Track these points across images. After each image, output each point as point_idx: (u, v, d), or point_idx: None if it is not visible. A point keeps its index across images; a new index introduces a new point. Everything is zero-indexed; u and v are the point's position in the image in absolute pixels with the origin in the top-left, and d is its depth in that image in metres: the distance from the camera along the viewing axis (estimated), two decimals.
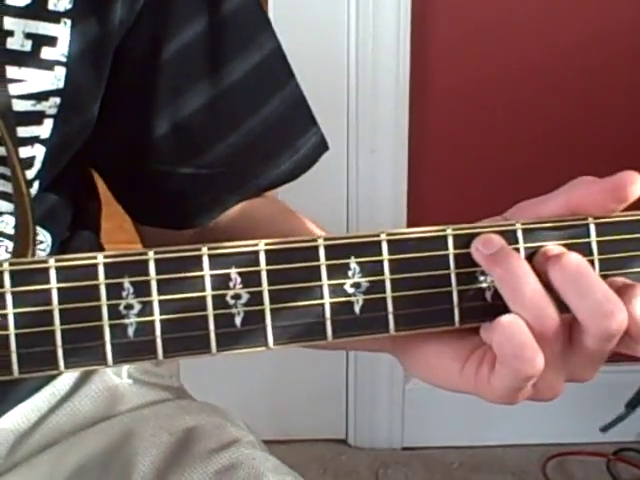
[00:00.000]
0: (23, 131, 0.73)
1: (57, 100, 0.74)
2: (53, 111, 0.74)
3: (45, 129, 0.75)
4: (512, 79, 1.90)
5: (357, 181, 1.90)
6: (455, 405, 2.04)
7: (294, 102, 0.85)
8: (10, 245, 0.77)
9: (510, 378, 0.59)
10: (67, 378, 0.89)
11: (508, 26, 1.87)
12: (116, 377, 0.89)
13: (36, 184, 0.77)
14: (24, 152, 0.74)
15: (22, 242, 0.70)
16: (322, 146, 0.87)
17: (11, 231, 0.77)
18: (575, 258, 0.59)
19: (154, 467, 0.81)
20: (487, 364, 0.61)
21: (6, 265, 0.56)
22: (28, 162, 0.75)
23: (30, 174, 0.76)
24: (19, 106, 0.72)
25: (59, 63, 0.73)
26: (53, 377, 0.88)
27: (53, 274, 0.56)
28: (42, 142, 0.75)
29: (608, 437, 2.03)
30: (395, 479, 1.99)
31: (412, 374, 0.66)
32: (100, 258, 0.57)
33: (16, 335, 0.56)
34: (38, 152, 0.75)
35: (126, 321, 0.57)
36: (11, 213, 0.77)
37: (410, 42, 1.84)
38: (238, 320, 0.58)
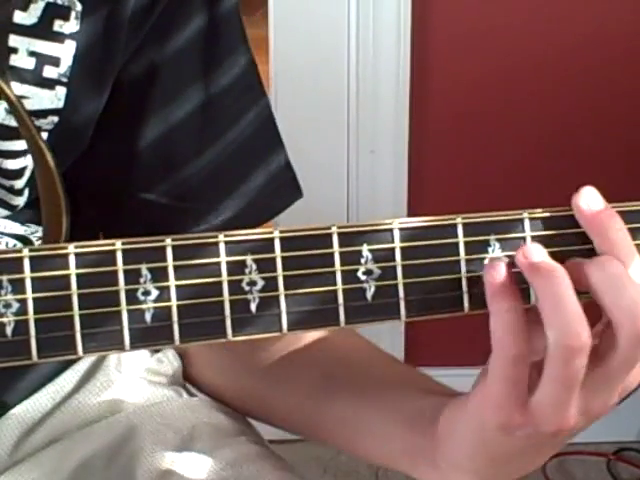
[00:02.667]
0: (18, 144, 0.74)
1: (55, 119, 0.75)
2: (49, 127, 0.76)
3: None
4: (512, 80, 1.91)
5: (357, 181, 1.91)
6: None
7: (266, 119, 0.85)
8: (10, 242, 0.78)
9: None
10: (71, 375, 0.89)
11: (508, 27, 1.88)
12: (120, 374, 0.90)
13: (26, 192, 0.78)
14: (16, 163, 0.75)
15: (54, 226, 0.70)
16: (288, 169, 0.86)
17: (8, 230, 0.79)
18: (611, 259, 0.61)
19: (158, 464, 0.82)
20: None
21: (26, 251, 0.57)
22: (19, 173, 0.76)
23: (20, 183, 0.77)
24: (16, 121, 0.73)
25: (60, 83, 0.74)
26: (57, 374, 0.89)
27: (72, 260, 0.58)
28: None
29: (608, 437, 2.04)
30: (395, 479, 1.99)
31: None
32: (118, 244, 0.58)
33: (35, 320, 0.57)
34: (29, 163, 0.76)
35: (143, 306, 0.58)
36: (5, 217, 0.78)
37: (410, 43, 1.84)
38: (253, 306, 0.59)
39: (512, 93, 1.92)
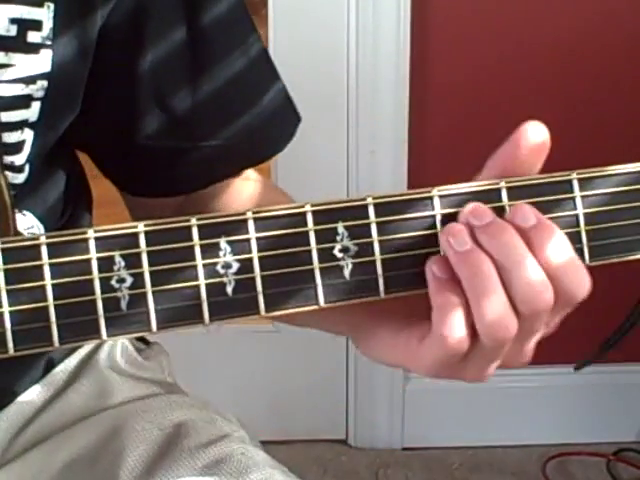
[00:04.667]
0: (14, 115, 0.74)
1: (44, 83, 0.75)
2: (41, 94, 0.75)
3: (33, 112, 0.75)
4: (512, 78, 1.90)
5: (357, 181, 1.90)
6: (455, 405, 2.04)
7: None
8: None
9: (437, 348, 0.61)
10: (61, 372, 0.89)
11: (508, 26, 1.87)
12: (108, 370, 0.89)
13: (27, 168, 0.78)
14: (14, 137, 0.75)
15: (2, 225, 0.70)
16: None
17: None
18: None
19: (143, 461, 0.81)
20: (416, 336, 0.62)
21: None
22: (18, 147, 0.76)
23: (20, 159, 0.76)
24: (9, 91, 0.73)
25: (45, 46, 0.74)
26: (47, 371, 0.88)
27: (44, 250, 0.57)
28: (31, 126, 0.76)
29: (608, 437, 2.03)
30: (395, 479, 1.99)
31: (366, 354, 0.67)
32: (91, 233, 0.58)
33: (10, 312, 0.57)
34: (27, 136, 0.76)
35: (119, 294, 0.58)
36: None
37: (410, 42, 1.84)
38: (229, 289, 0.58)
39: (512, 93, 1.91)
